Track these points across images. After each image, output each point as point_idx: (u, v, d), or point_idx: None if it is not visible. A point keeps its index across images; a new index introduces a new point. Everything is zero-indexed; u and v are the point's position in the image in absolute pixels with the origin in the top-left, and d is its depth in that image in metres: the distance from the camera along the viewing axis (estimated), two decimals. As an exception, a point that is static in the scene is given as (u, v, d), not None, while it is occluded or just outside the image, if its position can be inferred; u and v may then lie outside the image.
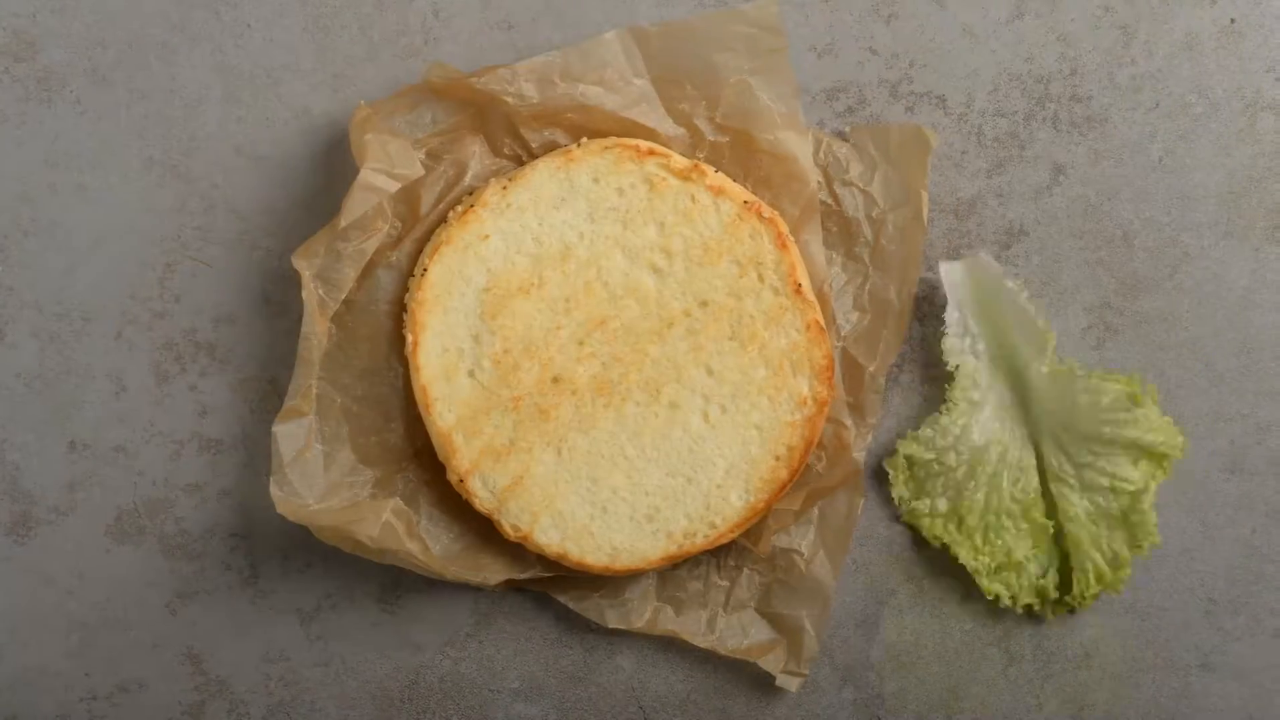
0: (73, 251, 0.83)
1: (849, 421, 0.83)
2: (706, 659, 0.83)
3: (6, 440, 0.83)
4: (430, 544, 0.81)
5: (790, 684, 0.83)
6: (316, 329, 0.79)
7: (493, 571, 0.83)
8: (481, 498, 0.80)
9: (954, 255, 0.84)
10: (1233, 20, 0.83)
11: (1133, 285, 0.84)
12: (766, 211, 0.76)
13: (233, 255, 0.84)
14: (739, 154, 0.81)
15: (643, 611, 0.84)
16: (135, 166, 0.83)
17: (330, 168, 0.84)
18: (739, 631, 0.85)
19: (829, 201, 0.83)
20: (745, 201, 0.76)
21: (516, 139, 0.81)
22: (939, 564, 0.84)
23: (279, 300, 0.83)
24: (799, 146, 0.80)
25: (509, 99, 0.79)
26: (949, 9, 0.82)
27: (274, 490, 0.78)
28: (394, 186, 0.78)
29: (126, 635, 0.85)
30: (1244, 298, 0.84)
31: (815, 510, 0.85)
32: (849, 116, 0.83)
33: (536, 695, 0.86)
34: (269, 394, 0.83)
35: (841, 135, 0.83)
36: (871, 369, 0.82)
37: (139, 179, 0.83)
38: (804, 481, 0.84)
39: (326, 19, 0.82)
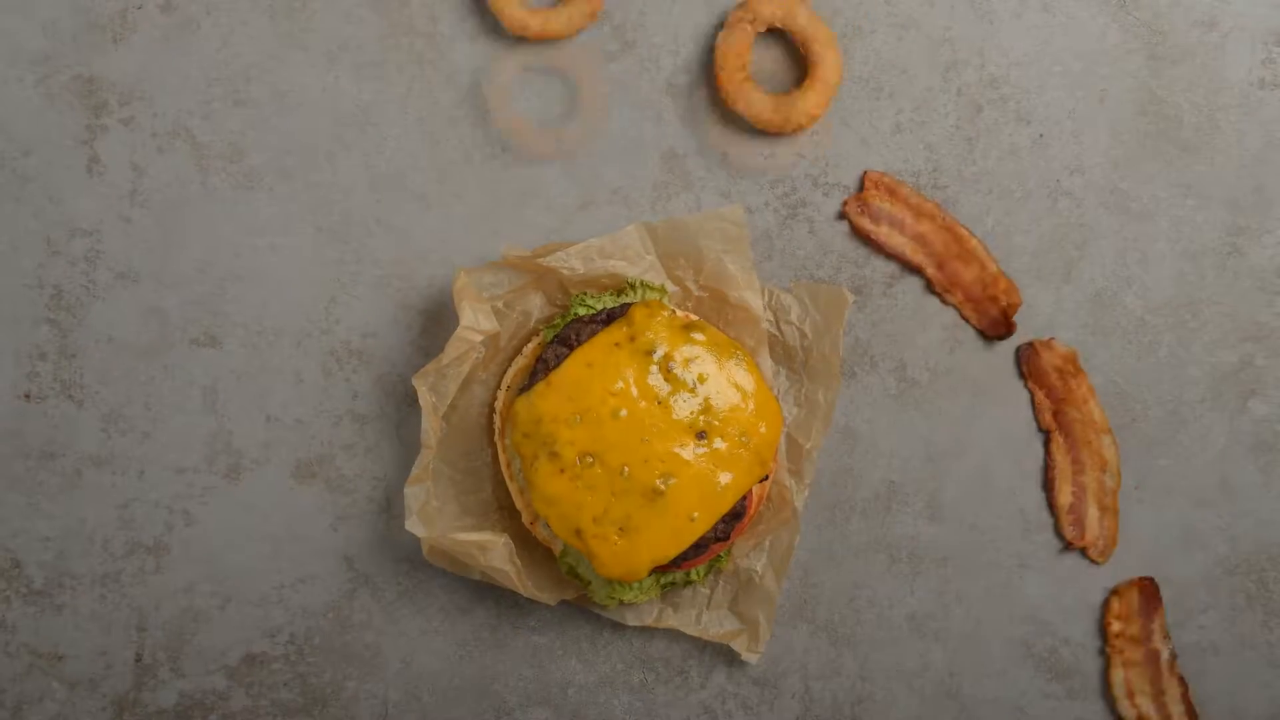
0: (268, 289, 0.92)
1: (789, 482, 0.90)
2: (695, 641, 0.94)
3: (225, 415, 0.92)
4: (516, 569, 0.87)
5: (752, 658, 0.90)
6: (432, 426, 0.87)
7: (552, 593, 0.89)
8: (544, 536, 0.88)
9: (856, 291, 0.92)
10: (1041, 135, 0.92)
11: None
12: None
13: (375, 291, 0.92)
14: (715, 305, 0.89)
15: (650, 613, 0.91)
16: (309, 233, 0.92)
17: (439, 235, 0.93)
18: (717, 623, 0.91)
19: (776, 334, 0.90)
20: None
21: (566, 295, 0.89)
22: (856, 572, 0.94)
23: (404, 323, 0.92)
24: (754, 301, 0.88)
25: (564, 270, 0.87)
26: (851, 127, 0.92)
27: (411, 527, 0.86)
28: (479, 338, 0.86)
29: (304, 545, 0.93)
30: (1048, 321, 0.93)
31: (767, 542, 0.91)
32: (786, 199, 0.92)
33: (544, 700, 0.94)
34: (398, 384, 0.92)
35: (786, 289, 0.91)
36: (807, 446, 0.90)
37: (311, 241, 0.92)
38: (758, 522, 0.91)
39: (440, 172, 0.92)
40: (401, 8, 0.92)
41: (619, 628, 0.94)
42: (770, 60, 0.93)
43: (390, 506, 0.94)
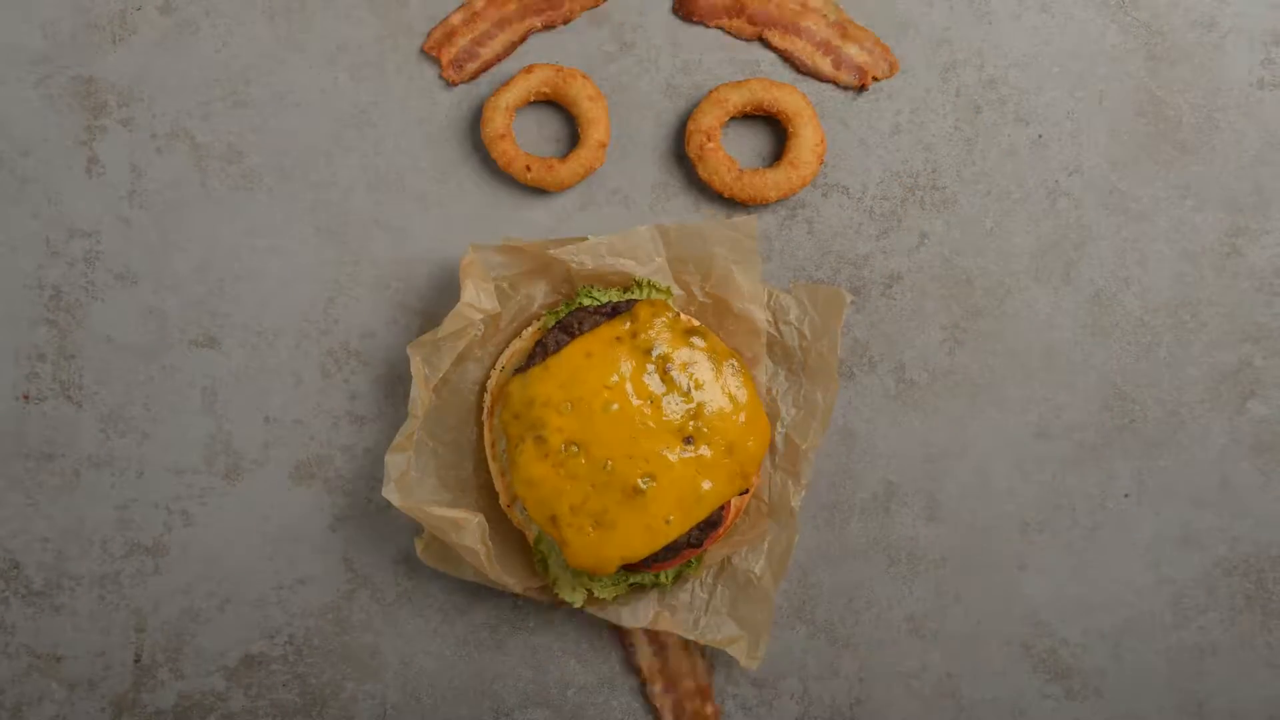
0: (267, 290, 0.93)
1: (787, 484, 0.91)
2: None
3: (224, 416, 0.93)
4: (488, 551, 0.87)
5: (752, 665, 0.90)
6: (421, 396, 0.87)
7: (519, 579, 0.89)
8: (520, 519, 0.89)
9: (855, 291, 0.92)
10: (1040, 135, 0.93)
11: (973, 312, 0.93)
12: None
13: (372, 292, 0.93)
14: (717, 313, 0.90)
15: (647, 614, 0.91)
16: (308, 234, 0.93)
17: (440, 236, 0.93)
18: (715, 628, 0.91)
19: (775, 334, 0.91)
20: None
21: (571, 286, 0.90)
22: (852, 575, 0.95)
23: (403, 323, 0.93)
24: (758, 315, 0.89)
25: (573, 263, 0.88)
26: (850, 128, 0.93)
27: (387, 494, 0.86)
28: (479, 317, 0.86)
29: (302, 545, 0.94)
30: (1046, 321, 0.94)
31: (765, 543, 0.91)
32: (785, 200, 0.93)
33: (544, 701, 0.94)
34: (396, 385, 0.93)
35: (786, 290, 0.91)
36: (804, 447, 0.90)
37: (311, 241, 0.93)
38: (732, 534, 0.90)
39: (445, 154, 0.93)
40: (399, 8, 0.93)
41: (618, 628, 0.94)
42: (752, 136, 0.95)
43: (389, 507, 0.95)
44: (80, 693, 0.95)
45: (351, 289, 0.94)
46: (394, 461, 0.88)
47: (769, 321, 0.91)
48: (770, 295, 0.90)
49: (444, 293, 0.94)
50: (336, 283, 0.94)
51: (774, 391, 0.91)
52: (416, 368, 0.87)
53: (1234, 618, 0.95)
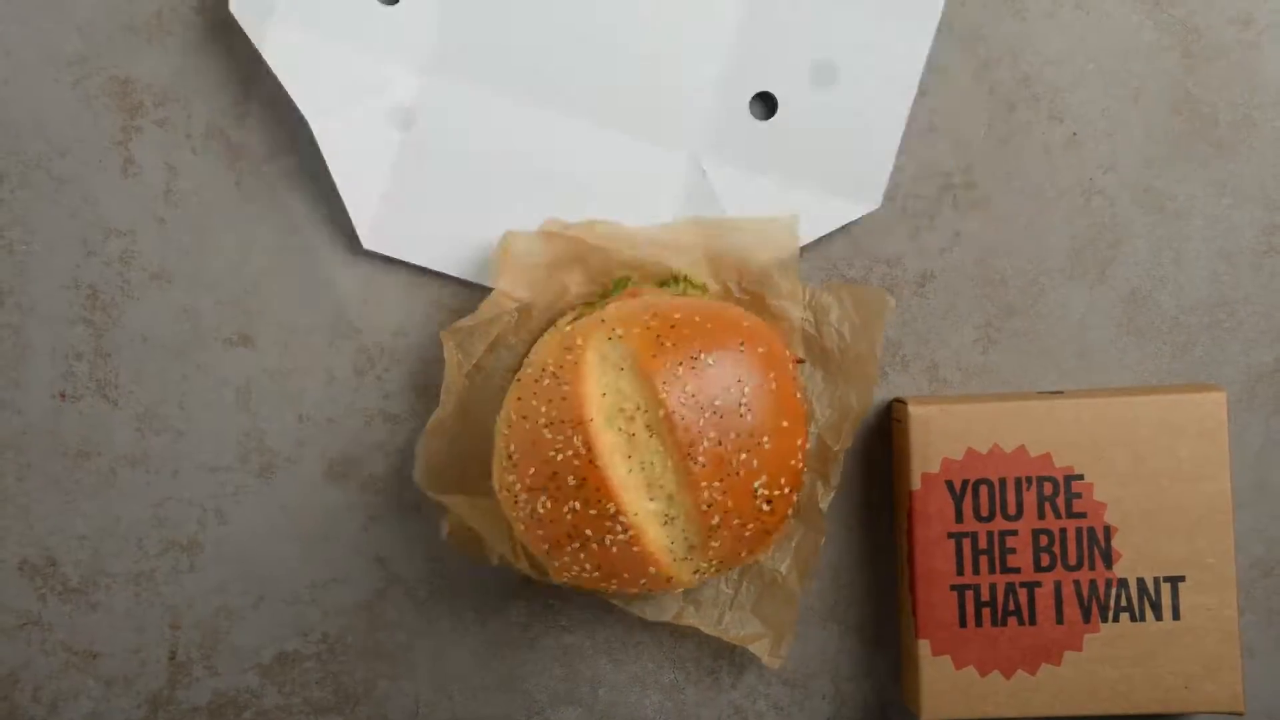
0: (300, 288, 0.93)
1: (818, 484, 0.91)
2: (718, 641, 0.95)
3: (257, 414, 0.93)
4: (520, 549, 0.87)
5: (774, 664, 0.90)
6: (454, 382, 0.87)
7: (547, 571, 0.86)
8: None
9: (887, 290, 0.92)
10: (1074, 134, 0.93)
11: (1007, 311, 0.93)
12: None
13: (406, 290, 0.93)
14: (754, 309, 0.89)
15: (671, 609, 0.91)
16: (341, 232, 0.93)
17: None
18: (739, 625, 0.91)
19: (814, 335, 0.90)
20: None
21: (606, 275, 0.89)
22: (879, 585, 0.95)
23: (436, 321, 0.93)
24: (794, 312, 0.88)
25: (611, 250, 0.87)
26: None
27: (417, 479, 0.88)
28: (512, 305, 0.86)
29: (335, 544, 0.94)
30: (1081, 320, 0.93)
31: (792, 542, 0.91)
32: None
33: (575, 698, 0.95)
34: (429, 383, 0.93)
35: (826, 289, 0.90)
36: (836, 448, 0.90)
37: (343, 239, 0.92)
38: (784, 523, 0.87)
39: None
40: (433, 8, 0.92)
41: (650, 627, 0.94)
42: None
43: (421, 507, 0.95)
44: (116, 689, 0.95)
45: (384, 287, 0.94)
46: (424, 447, 0.88)
47: (809, 321, 0.89)
48: (811, 294, 0.89)
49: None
50: (370, 281, 0.94)
51: (811, 391, 0.90)
52: (450, 353, 0.87)
53: (1271, 619, 0.94)
